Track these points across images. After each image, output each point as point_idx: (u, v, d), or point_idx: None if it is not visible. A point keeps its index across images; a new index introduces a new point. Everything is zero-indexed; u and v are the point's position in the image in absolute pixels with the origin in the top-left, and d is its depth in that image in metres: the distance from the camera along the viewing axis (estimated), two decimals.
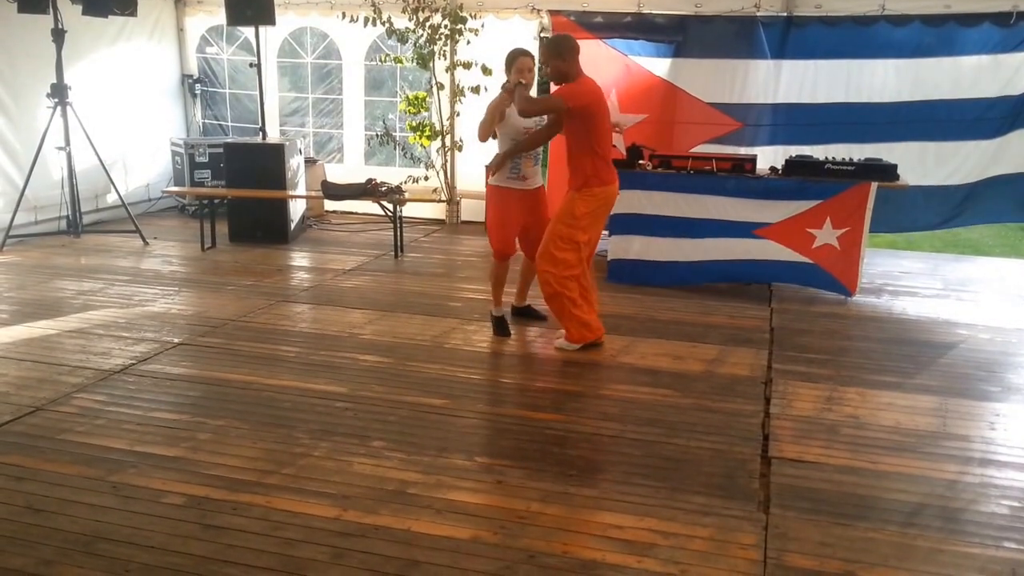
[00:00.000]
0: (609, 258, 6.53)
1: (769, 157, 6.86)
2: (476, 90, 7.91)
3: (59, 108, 7.22)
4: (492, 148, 5.18)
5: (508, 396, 4.32)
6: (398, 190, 7.45)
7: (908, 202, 6.86)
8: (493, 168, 4.97)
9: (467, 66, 7.98)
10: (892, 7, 6.86)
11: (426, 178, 8.38)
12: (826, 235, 5.98)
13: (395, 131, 8.68)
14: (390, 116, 8.91)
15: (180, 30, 9.26)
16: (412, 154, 8.58)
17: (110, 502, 3.13)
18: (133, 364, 4.56)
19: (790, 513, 3.15)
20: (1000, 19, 6.64)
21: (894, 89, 6.96)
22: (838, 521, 3.10)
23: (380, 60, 8.52)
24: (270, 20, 7.79)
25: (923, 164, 6.92)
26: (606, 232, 6.59)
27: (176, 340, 4.98)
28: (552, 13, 7.59)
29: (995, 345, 5.27)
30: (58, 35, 7.10)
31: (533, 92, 5.30)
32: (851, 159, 6.25)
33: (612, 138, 4.96)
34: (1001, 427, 4.01)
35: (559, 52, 4.72)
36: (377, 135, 8.68)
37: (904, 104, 6.95)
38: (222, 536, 2.92)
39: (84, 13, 7.30)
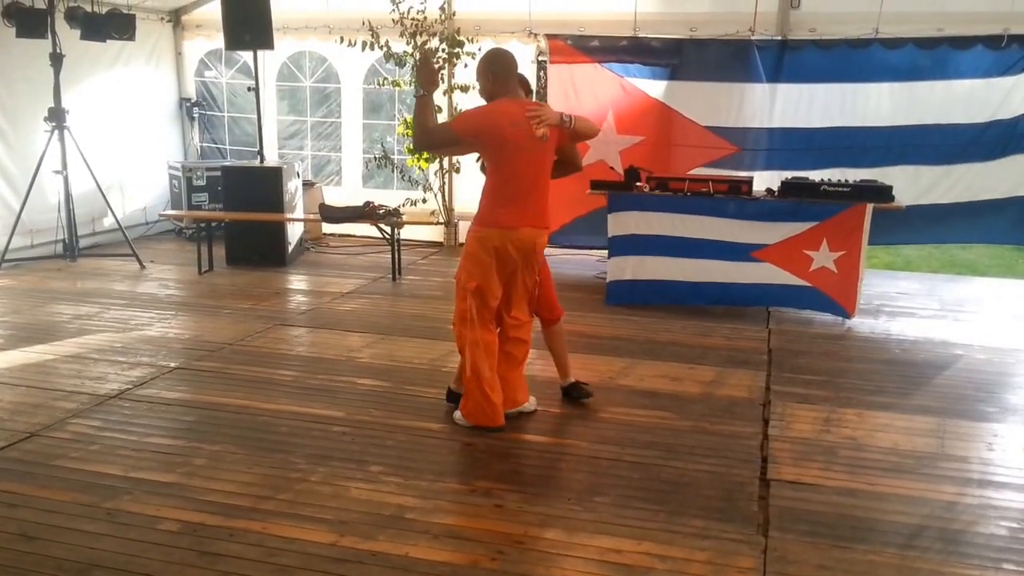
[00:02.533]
0: (608, 280, 6.54)
1: (766, 182, 6.90)
2: None
3: (56, 132, 7.24)
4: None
5: (506, 420, 4.29)
6: (396, 213, 7.47)
7: (903, 218, 6.90)
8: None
9: (464, 89, 8.03)
10: (885, 30, 6.93)
11: (424, 200, 8.41)
12: (823, 258, 6.00)
13: (393, 154, 8.72)
14: (388, 139, 8.96)
15: (178, 54, 9.32)
16: (410, 177, 8.61)
17: (104, 529, 3.10)
18: (129, 389, 4.54)
19: (789, 536, 3.13)
20: (992, 42, 6.71)
21: (888, 113, 7.02)
22: (837, 544, 3.08)
23: (378, 84, 8.58)
24: (268, 44, 7.85)
25: (917, 186, 6.96)
26: (604, 254, 6.67)
27: (172, 364, 4.96)
28: (549, 37, 7.66)
29: (992, 365, 5.27)
30: (56, 59, 7.14)
31: None
32: (847, 180, 6.29)
33: (528, 180, 3.98)
34: (999, 447, 4.01)
35: (489, 69, 4.03)
36: (375, 158, 8.71)
37: (899, 128, 7.00)
38: (218, 563, 2.89)
39: (82, 38, 7.35)
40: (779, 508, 3.35)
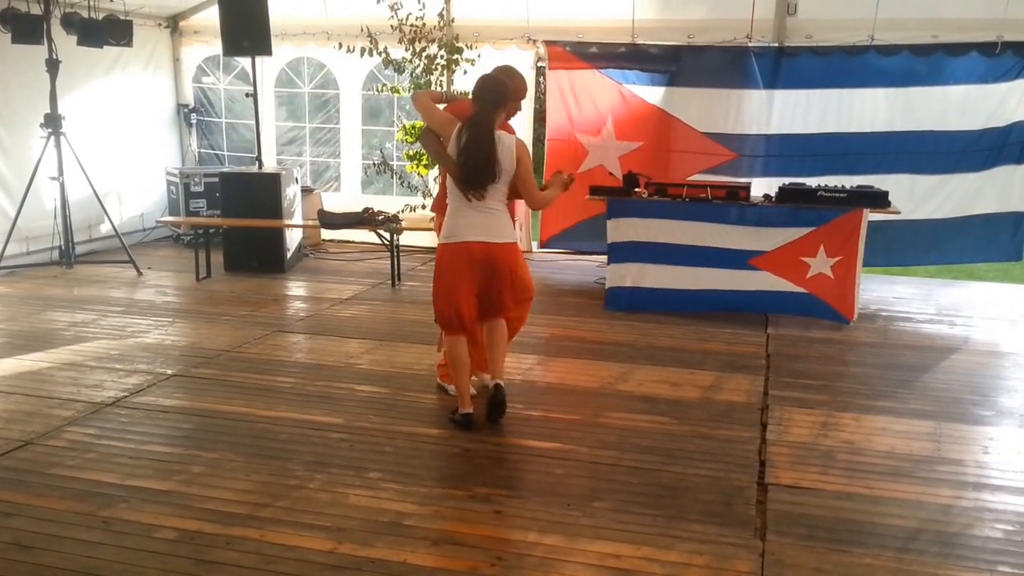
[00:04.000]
0: (607, 286, 6.55)
1: (763, 188, 6.93)
2: None
3: (53, 138, 7.24)
4: None
5: (505, 425, 4.29)
6: (395, 219, 7.47)
7: (897, 236, 6.93)
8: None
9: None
10: (881, 37, 6.96)
11: (423, 207, 8.40)
12: (820, 264, 6.01)
13: (392, 160, 8.73)
14: (387, 145, 8.97)
15: (176, 60, 9.33)
16: (409, 183, 8.61)
17: (101, 538, 3.09)
18: (125, 396, 4.53)
19: (787, 540, 3.14)
20: (986, 49, 6.76)
21: (884, 118, 7.05)
22: (834, 547, 3.09)
23: (377, 90, 8.59)
24: (266, 51, 7.86)
25: (912, 198, 6.98)
26: (604, 259, 6.70)
27: (170, 371, 4.96)
28: (548, 43, 7.69)
29: (988, 369, 5.29)
30: (52, 65, 7.13)
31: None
32: (843, 186, 6.30)
33: None
34: (995, 451, 4.02)
35: None
36: (374, 164, 8.72)
37: (894, 134, 7.03)
38: (215, 571, 2.88)
39: (79, 43, 7.34)
40: (777, 512, 3.35)
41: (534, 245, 8.21)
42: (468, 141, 3.98)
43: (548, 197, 4.37)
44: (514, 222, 4.42)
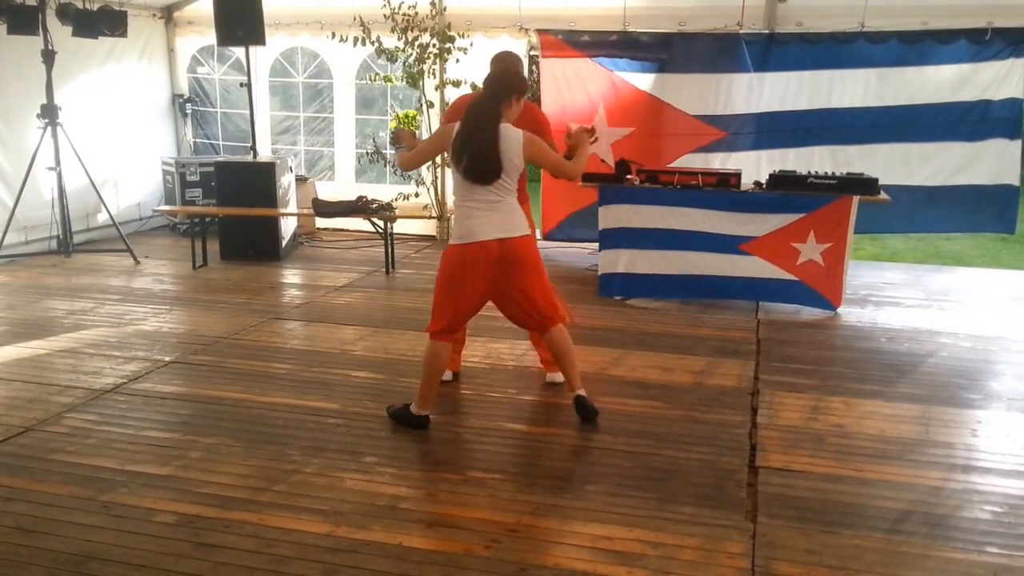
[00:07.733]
0: (599, 272, 6.59)
1: (753, 163, 6.96)
2: None
3: (49, 129, 7.24)
4: None
5: (498, 410, 4.35)
6: (389, 207, 7.50)
7: (889, 204, 6.97)
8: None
9: (456, 84, 8.05)
10: (871, 24, 6.98)
11: (416, 195, 8.43)
12: (810, 250, 6.05)
13: (386, 149, 8.74)
14: (381, 134, 8.97)
15: (171, 50, 9.31)
16: (402, 171, 8.62)
17: (101, 522, 3.14)
18: (124, 383, 4.57)
19: (777, 522, 3.19)
20: (975, 35, 6.78)
21: (876, 95, 7.09)
22: (825, 529, 3.14)
23: (370, 79, 8.60)
24: (260, 40, 7.86)
25: (907, 164, 7.03)
26: (595, 246, 6.74)
27: (167, 358, 4.99)
28: (540, 32, 7.69)
29: (976, 353, 5.34)
30: (48, 56, 7.13)
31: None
32: (833, 173, 6.34)
33: None
34: (983, 434, 4.07)
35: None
36: (368, 153, 8.73)
37: (886, 109, 7.06)
38: (214, 554, 2.93)
39: (74, 34, 7.34)
40: (767, 495, 3.40)
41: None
42: (466, 131, 3.77)
43: (581, 162, 4.02)
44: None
